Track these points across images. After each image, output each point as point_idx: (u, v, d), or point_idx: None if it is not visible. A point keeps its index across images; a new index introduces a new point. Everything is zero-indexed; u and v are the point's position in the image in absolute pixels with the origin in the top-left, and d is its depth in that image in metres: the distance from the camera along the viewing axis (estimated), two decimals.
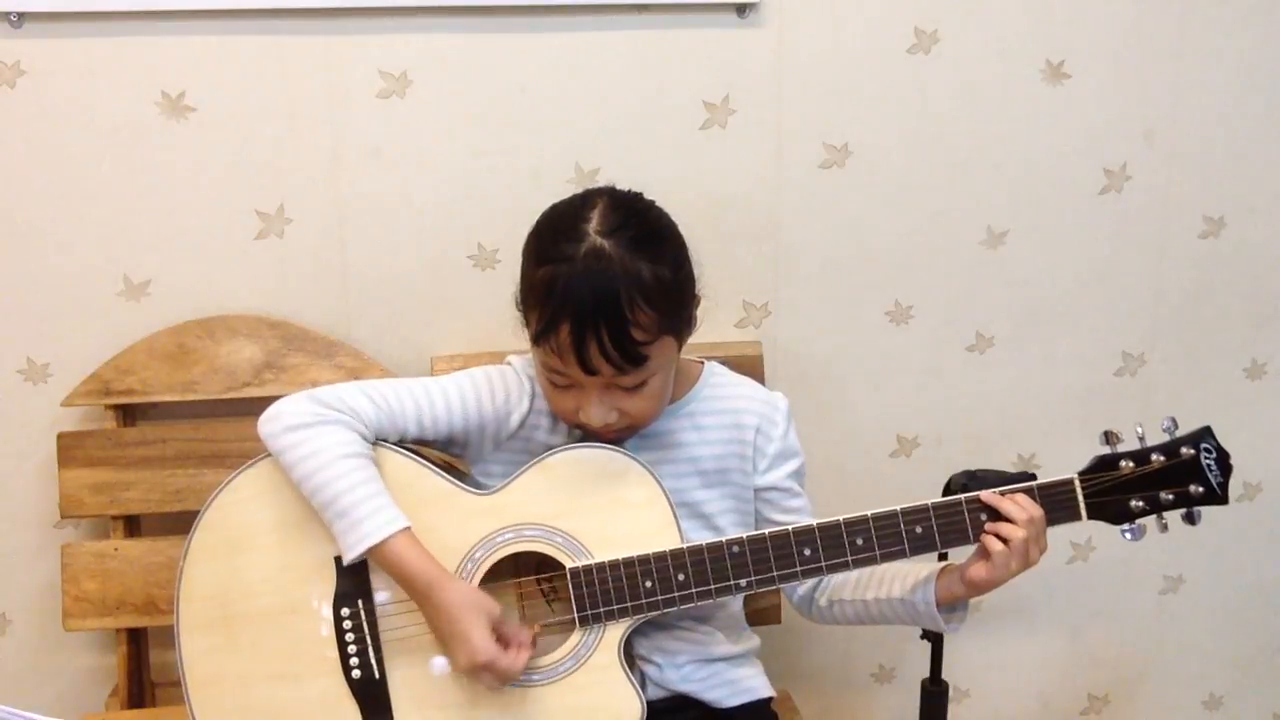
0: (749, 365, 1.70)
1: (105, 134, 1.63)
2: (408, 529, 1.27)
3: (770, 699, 1.48)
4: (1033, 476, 1.46)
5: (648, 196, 1.34)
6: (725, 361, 1.49)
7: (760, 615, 1.72)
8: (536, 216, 1.33)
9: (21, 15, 1.58)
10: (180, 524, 1.67)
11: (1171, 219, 1.89)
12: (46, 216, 1.65)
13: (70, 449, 1.66)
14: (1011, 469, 1.41)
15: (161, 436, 1.67)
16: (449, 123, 1.69)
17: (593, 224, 1.25)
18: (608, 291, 1.22)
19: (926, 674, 1.70)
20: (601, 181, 1.70)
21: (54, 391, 1.68)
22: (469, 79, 1.68)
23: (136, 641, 1.72)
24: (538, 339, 1.27)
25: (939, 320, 1.88)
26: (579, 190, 1.33)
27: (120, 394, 1.66)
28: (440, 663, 1.31)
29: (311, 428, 1.29)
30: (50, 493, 1.69)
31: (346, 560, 1.27)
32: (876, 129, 1.78)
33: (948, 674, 1.68)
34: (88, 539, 1.72)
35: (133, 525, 1.70)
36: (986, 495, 1.31)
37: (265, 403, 1.32)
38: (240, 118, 1.65)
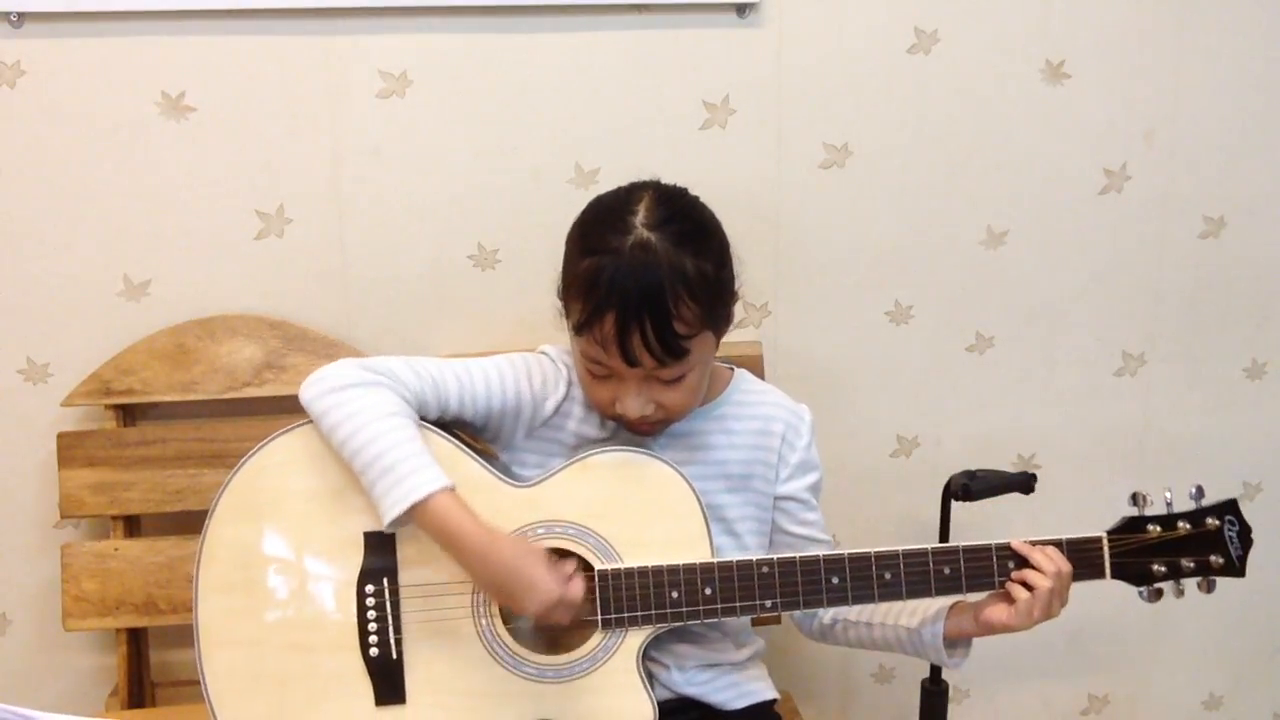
0: (749, 365, 1.69)
1: (105, 134, 1.63)
2: (452, 488, 1.26)
3: (774, 701, 1.48)
4: (1033, 476, 1.46)
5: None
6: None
7: (761, 616, 1.72)
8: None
9: (21, 15, 1.58)
10: (180, 524, 1.67)
11: (1171, 219, 1.89)
12: (46, 216, 1.65)
13: (70, 449, 1.66)
14: (1011, 469, 1.41)
15: (161, 436, 1.67)
16: (449, 123, 1.69)
17: (639, 216, 1.26)
18: (653, 284, 1.22)
19: (926, 674, 1.70)
20: (602, 181, 1.70)
21: (54, 391, 1.68)
22: (469, 79, 1.68)
23: (136, 641, 1.72)
24: (580, 329, 1.27)
25: (939, 320, 1.87)
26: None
27: (120, 394, 1.66)
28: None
29: (356, 388, 1.28)
30: (50, 493, 1.69)
31: (386, 520, 1.24)
32: (876, 129, 1.78)
33: (948, 674, 1.69)
34: (88, 539, 1.72)
35: (133, 525, 1.70)
36: (1018, 544, 1.33)
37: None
38: (240, 118, 1.65)
